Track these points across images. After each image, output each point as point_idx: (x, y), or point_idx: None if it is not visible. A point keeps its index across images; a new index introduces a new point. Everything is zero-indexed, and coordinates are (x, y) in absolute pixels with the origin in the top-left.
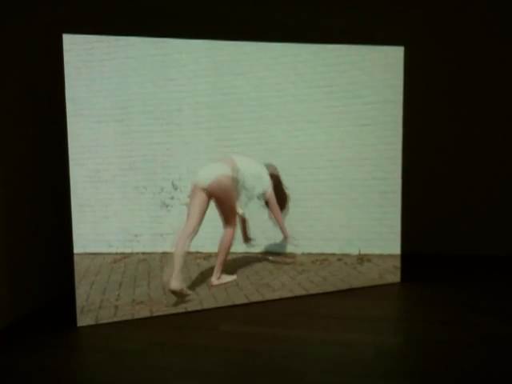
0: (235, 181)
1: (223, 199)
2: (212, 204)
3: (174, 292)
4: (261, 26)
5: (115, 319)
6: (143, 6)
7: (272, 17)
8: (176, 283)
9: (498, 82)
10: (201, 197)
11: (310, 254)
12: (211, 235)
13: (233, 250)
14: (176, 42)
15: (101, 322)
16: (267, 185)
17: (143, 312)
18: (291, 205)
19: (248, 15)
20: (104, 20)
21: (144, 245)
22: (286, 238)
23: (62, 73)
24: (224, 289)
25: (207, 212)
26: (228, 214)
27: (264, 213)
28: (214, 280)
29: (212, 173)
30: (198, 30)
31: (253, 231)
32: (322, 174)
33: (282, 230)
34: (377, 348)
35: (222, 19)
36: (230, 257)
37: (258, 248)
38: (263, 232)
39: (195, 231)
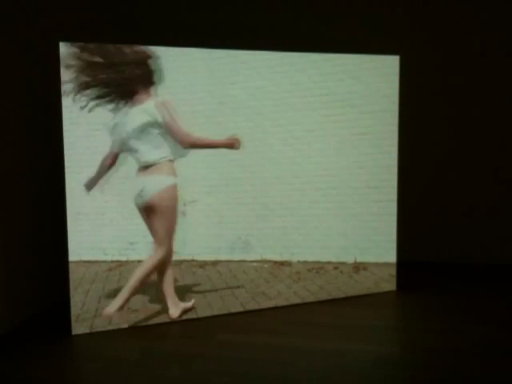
0: None
1: (164, 212)
2: (213, 210)
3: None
4: (258, 35)
5: (110, 327)
6: (139, 15)
7: (269, 26)
8: (173, 310)
9: (494, 90)
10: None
11: (306, 262)
12: (208, 243)
13: (228, 257)
14: (172, 51)
15: (96, 330)
16: (160, 118)
17: (138, 320)
18: (288, 213)
19: (245, 24)
20: (101, 28)
21: (139, 253)
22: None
23: (58, 80)
24: (220, 297)
25: (203, 220)
26: (165, 230)
27: (262, 220)
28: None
29: (152, 188)
30: (195, 39)
31: (248, 239)
32: (319, 183)
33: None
34: (373, 357)
35: (219, 28)
36: (226, 265)
37: (254, 256)
38: (260, 240)
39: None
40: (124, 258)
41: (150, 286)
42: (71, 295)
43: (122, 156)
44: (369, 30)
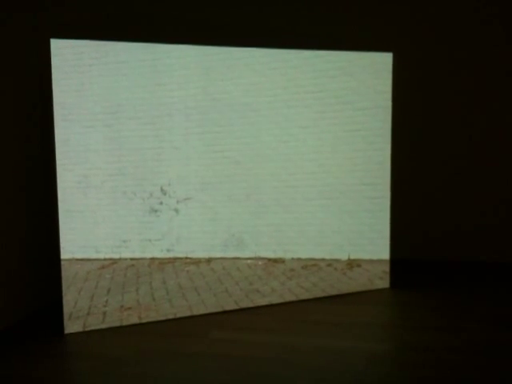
0: None
1: None
2: (207, 207)
3: None
4: (252, 32)
5: (103, 326)
6: (133, 11)
7: (263, 23)
8: None
9: (489, 87)
10: None
11: (299, 260)
12: (201, 241)
13: (222, 255)
14: (166, 47)
15: (89, 328)
16: None
17: (132, 318)
18: (282, 210)
19: (239, 21)
20: (93, 25)
21: (132, 250)
22: None
23: (50, 77)
24: (213, 294)
25: (197, 217)
26: None
27: (255, 217)
28: None
29: None
30: (189, 35)
31: (242, 236)
32: (313, 180)
33: None
34: (366, 355)
35: (213, 24)
36: (220, 263)
37: (248, 253)
38: (254, 237)
39: None
40: (117, 256)
41: (144, 284)
42: (64, 293)
43: (113, 155)
44: (362, 27)
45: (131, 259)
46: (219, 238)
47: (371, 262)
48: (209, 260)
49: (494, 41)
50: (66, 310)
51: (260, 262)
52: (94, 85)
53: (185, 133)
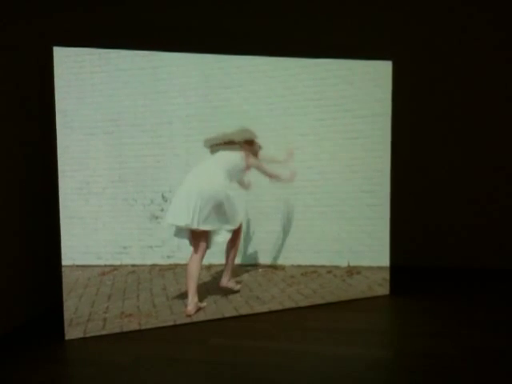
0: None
1: None
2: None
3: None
4: (251, 40)
5: (104, 332)
6: (134, 20)
7: (263, 31)
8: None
9: (488, 95)
10: None
11: (299, 266)
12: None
13: (222, 261)
14: (167, 56)
15: (89, 335)
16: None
17: (132, 325)
18: (281, 217)
19: (239, 29)
20: (95, 33)
21: (133, 257)
22: None
23: (52, 85)
24: (213, 301)
25: None
26: None
27: (256, 224)
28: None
29: None
30: (189, 44)
31: (242, 243)
32: (312, 187)
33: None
34: (366, 361)
35: (213, 33)
36: (220, 269)
37: (248, 260)
38: (254, 244)
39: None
40: (118, 263)
41: (144, 290)
42: (64, 300)
43: (114, 162)
44: (362, 36)
45: (132, 266)
46: (219, 244)
47: (371, 269)
48: (209, 266)
49: (493, 49)
50: (67, 316)
51: (260, 269)
52: (95, 92)
53: (185, 140)
